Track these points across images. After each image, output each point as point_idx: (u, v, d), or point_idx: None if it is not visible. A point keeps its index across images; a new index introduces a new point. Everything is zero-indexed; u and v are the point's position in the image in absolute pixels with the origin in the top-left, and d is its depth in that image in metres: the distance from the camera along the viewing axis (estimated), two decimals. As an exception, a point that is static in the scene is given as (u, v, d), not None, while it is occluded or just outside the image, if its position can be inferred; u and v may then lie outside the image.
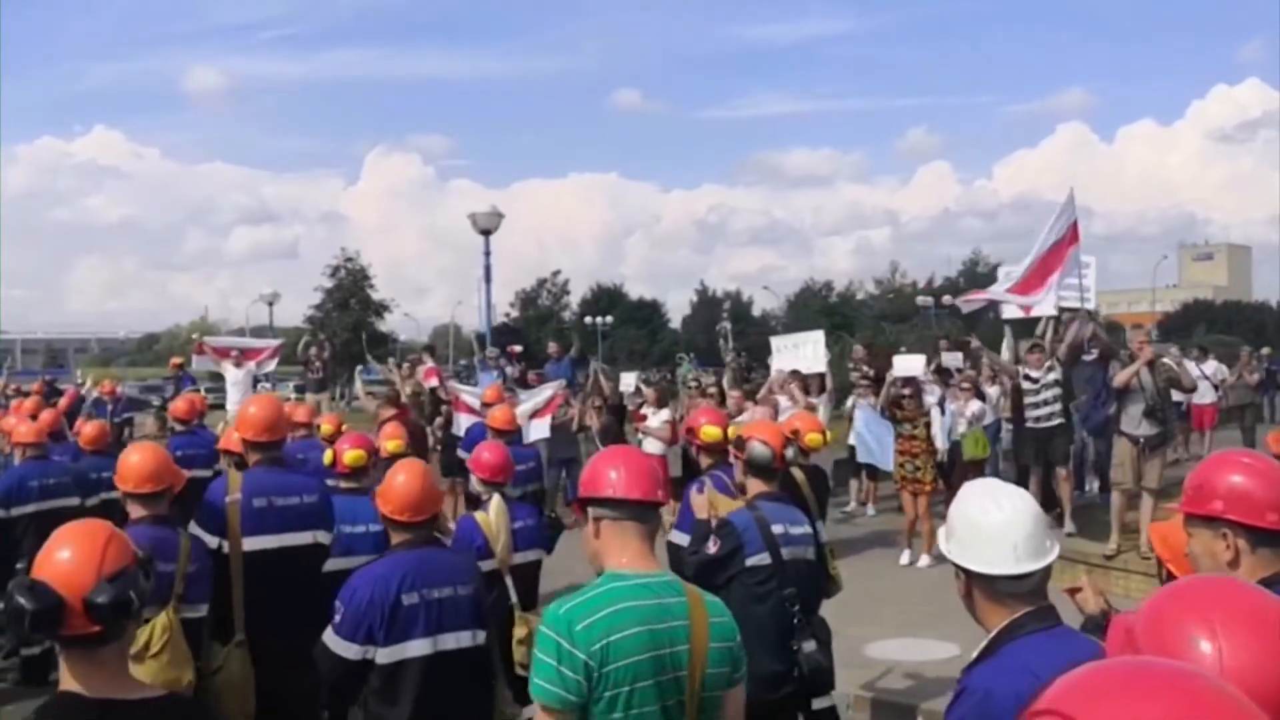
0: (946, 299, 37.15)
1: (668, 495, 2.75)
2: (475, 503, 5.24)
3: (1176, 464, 11.87)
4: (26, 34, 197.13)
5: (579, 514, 2.56)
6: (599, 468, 2.52)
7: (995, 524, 2.21)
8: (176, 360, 17.85)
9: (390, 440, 6.10)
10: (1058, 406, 9.66)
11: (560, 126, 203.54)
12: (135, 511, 4.22)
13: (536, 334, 48.22)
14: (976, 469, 10.34)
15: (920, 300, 45.42)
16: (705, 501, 4.37)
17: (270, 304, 37.63)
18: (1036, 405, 9.69)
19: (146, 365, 67.67)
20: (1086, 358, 10.11)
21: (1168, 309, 70.52)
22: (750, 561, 3.98)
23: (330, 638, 3.48)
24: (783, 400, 10.85)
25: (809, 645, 4.04)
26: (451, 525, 4.50)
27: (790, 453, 4.66)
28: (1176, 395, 10.44)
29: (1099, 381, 10.13)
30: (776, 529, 4.07)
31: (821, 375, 11.68)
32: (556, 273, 64.81)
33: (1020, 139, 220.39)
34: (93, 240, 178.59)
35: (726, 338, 20.58)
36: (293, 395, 17.12)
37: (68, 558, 1.99)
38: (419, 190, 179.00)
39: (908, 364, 10.91)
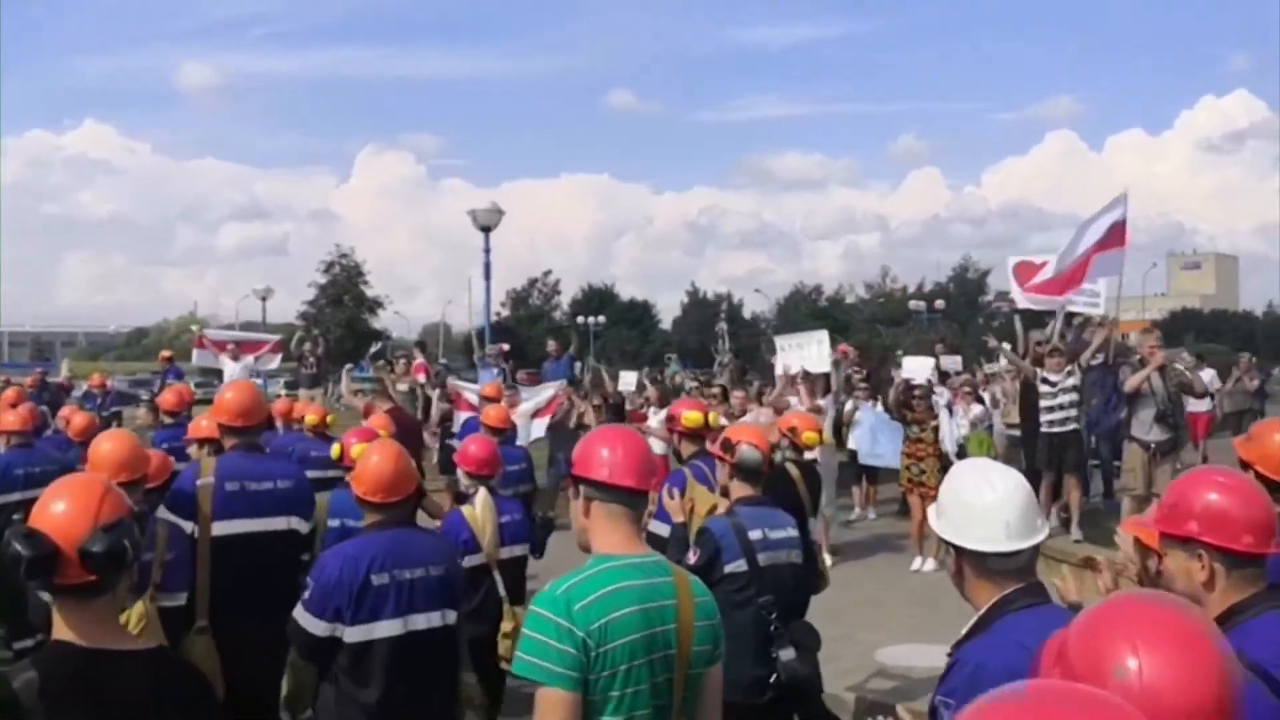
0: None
1: (661, 479, 2.68)
2: (463, 499, 5.17)
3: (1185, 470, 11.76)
4: (18, 27, 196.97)
5: (571, 486, 2.56)
6: (593, 446, 2.52)
7: (988, 503, 2.24)
8: (166, 354, 17.67)
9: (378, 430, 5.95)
10: (1074, 412, 9.44)
11: (553, 127, 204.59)
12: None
13: (528, 333, 48.16)
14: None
15: (912, 305, 45.60)
16: (679, 505, 4.33)
17: (264, 299, 37.32)
18: (1052, 409, 9.45)
19: (135, 360, 67.31)
20: (1094, 362, 10.00)
21: (1155, 317, 70.85)
22: (728, 569, 4.01)
23: (299, 613, 3.51)
24: (793, 400, 10.71)
25: (787, 653, 4.05)
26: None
27: (778, 457, 4.68)
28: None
29: (1109, 386, 10.03)
30: (754, 534, 4.09)
31: (826, 375, 11.58)
32: (548, 273, 65.04)
33: (1010, 146, 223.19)
34: (83, 235, 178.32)
35: (724, 339, 20.54)
36: (283, 392, 16.91)
37: (63, 509, 2.01)
38: (410, 189, 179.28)
39: (916, 366, 10.80)
